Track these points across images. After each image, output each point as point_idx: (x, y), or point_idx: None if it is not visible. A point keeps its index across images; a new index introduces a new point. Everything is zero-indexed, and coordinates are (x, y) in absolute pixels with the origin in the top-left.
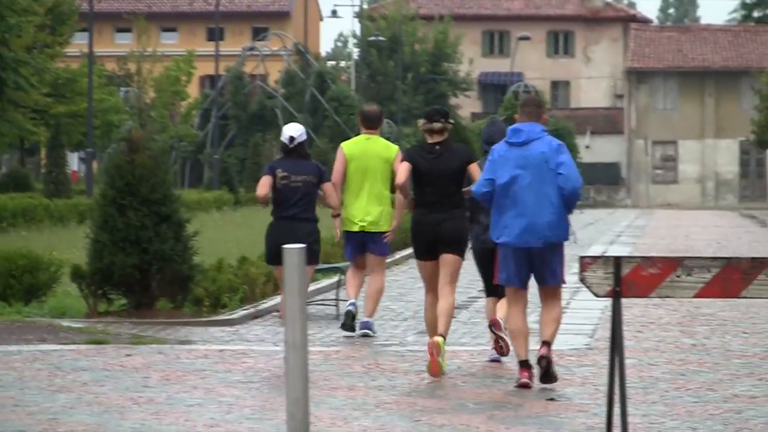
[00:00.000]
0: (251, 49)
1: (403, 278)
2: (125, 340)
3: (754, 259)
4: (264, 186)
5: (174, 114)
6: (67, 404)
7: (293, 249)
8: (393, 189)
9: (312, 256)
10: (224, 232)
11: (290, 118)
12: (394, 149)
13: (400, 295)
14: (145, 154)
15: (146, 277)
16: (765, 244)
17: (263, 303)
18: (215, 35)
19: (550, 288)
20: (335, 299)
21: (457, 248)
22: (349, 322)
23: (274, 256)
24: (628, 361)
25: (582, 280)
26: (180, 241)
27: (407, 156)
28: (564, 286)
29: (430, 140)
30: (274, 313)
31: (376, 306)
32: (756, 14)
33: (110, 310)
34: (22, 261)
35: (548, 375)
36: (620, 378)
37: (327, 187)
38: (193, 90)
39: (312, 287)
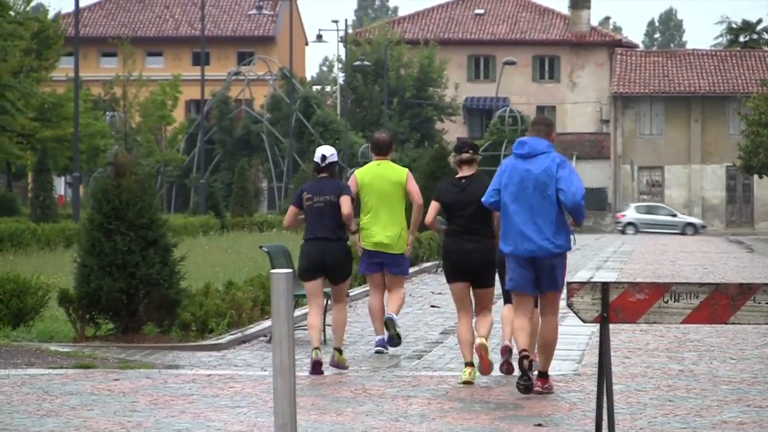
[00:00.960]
0: (237, 73)
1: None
2: (113, 364)
3: (741, 284)
4: (289, 218)
5: (160, 138)
6: (56, 428)
7: (280, 275)
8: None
9: (343, 274)
10: (211, 257)
11: (276, 143)
12: (403, 172)
13: None
14: (131, 178)
15: (133, 301)
16: (752, 270)
17: (250, 328)
18: (201, 60)
19: (549, 295)
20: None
21: (485, 281)
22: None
23: (304, 273)
24: (615, 387)
25: (570, 305)
26: (167, 265)
27: (436, 194)
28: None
29: (459, 173)
30: (261, 338)
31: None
32: (742, 39)
33: (98, 334)
34: (10, 285)
35: (527, 388)
36: (608, 404)
37: (343, 199)
38: (178, 114)
39: (299, 312)
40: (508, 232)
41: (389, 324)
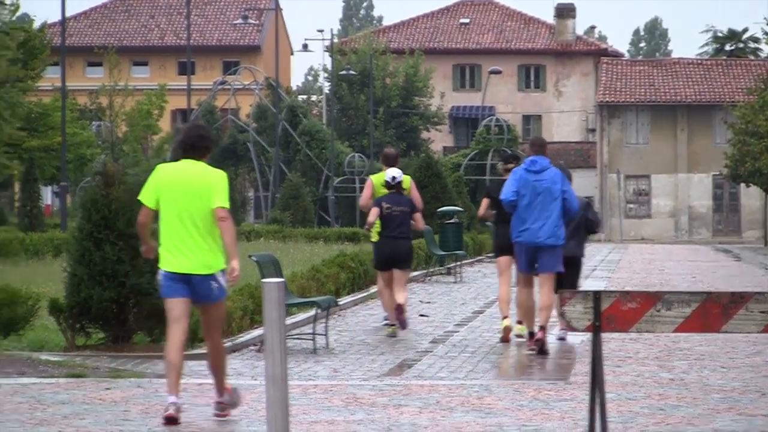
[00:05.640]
0: (222, 83)
1: (379, 312)
2: (104, 373)
3: (733, 293)
4: (374, 215)
5: (146, 147)
6: None
7: (272, 284)
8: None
9: (410, 264)
10: None
11: (262, 152)
12: (407, 179)
13: (376, 330)
14: (120, 188)
15: (123, 311)
16: (740, 278)
17: (240, 337)
18: (187, 69)
19: (545, 275)
20: (312, 333)
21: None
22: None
23: (382, 264)
24: (607, 396)
25: (561, 314)
26: (157, 274)
27: (487, 191)
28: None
29: (504, 176)
30: (251, 347)
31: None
32: (728, 48)
33: (88, 343)
34: (0, 295)
35: (543, 352)
36: (601, 413)
37: (416, 216)
38: (165, 124)
39: (289, 320)
40: (521, 226)
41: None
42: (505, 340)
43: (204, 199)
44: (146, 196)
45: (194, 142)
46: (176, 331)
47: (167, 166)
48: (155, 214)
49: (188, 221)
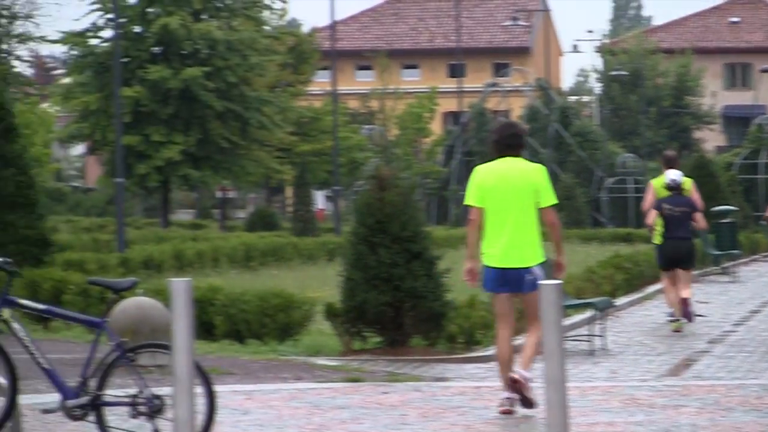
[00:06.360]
0: (493, 85)
1: (655, 313)
2: (381, 377)
3: None
4: (651, 216)
5: (418, 151)
6: None
7: (549, 286)
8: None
9: (693, 263)
10: None
11: (534, 154)
12: (688, 181)
13: (653, 330)
14: (394, 191)
15: (399, 314)
16: None
17: (516, 339)
18: (457, 72)
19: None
20: (588, 334)
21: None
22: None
23: (666, 264)
24: None
25: None
26: (432, 278)
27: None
28: None
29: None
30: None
31: None
32: None
33: (364, 347)
34: (276, 300)
35: None
36: None
37: (697, 216)
38: (436, 126)
39: (566, 322)
40: None
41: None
42: None
43: (528, 195)
44: (472, 198)
45: (510, 141)
46: (502, 327)
47: (485, 167)
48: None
49: (512, 217)
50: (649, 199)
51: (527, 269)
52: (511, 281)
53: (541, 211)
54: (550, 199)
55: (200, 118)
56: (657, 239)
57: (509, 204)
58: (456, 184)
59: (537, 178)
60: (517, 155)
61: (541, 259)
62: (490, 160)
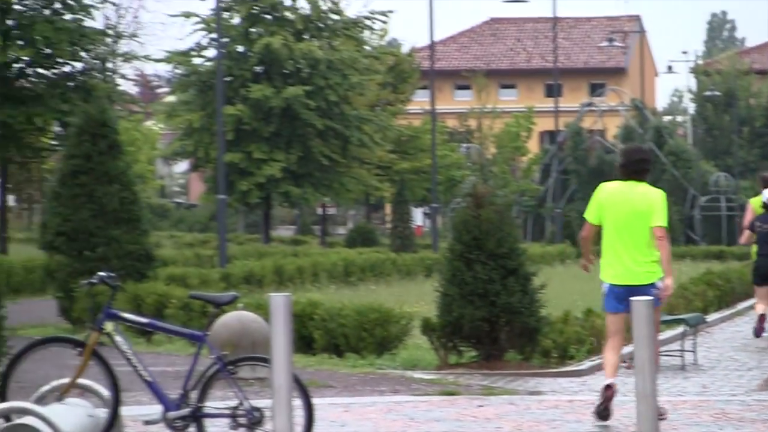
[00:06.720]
0: (589, 104)
1: (746, 329)
2: (476, 391)
3: None
4: (745, 236)
5: (515, 169)
6: None
7: (641, 302)
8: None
9: None
10: (568, 285)
11: None
12: None
13: (743, 345)
14: (490, 209)
15: (495, 329)
16: None
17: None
18: (554, 91)
19: None
20: (680, 349)
21: None
22: None
23: (759, 281)
24: None
25: None
26: (527, 293)
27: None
28: None
29: None
30: (621, 364)
31: None
32: None
33: (460, 361)
34: (374, 314)
35: None
36: None
37: None
38: (533, 145)
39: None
40: None
41: None
42: None
43: (645, 218)
44: (590, 214)
45: (636, 167)
46: (609, 346)
47: (610, 185)
48: (598, 231)
49: (628, 237)
50: (748, 218)
51: (651, 285)
52: (628, 300)
53: (652, 230)
54: (662, 221)
55: (301, 136)
56: (753, 256)
57: (628, 225)
58: (552, 201)
59: (656, 202)
60: (642, 180)
61: (660, 275)
62: (612, 180)
